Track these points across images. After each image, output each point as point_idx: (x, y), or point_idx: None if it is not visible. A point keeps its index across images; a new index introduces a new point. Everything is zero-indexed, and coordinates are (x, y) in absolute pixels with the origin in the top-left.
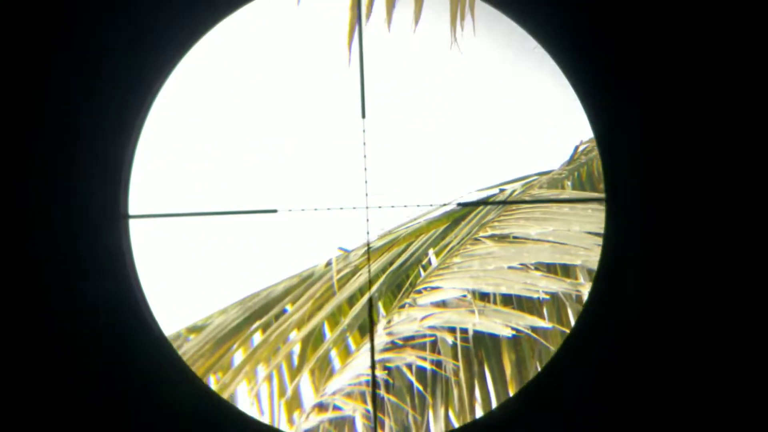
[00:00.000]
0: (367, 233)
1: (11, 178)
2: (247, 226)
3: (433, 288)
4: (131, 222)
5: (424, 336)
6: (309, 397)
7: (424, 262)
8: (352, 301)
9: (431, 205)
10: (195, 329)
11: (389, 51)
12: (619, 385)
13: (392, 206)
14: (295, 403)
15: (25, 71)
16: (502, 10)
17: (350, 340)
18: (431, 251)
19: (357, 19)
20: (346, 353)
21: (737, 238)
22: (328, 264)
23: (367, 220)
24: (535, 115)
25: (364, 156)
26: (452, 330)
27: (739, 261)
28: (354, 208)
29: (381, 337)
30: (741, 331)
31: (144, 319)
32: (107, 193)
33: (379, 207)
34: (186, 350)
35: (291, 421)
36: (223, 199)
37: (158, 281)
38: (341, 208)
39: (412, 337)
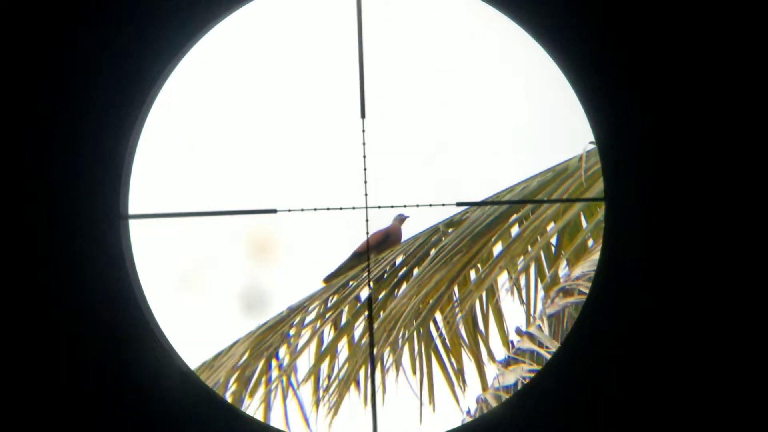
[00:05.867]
0: (367, 233)
1: (11, 178)
2: (246, 226)
3: None
4: (131, 222)
5: None
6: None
7: None
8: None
9: (430, 205)
10: None
11: (389, 51)
12: (618, 385)
13: (392, 206)
14: (553, 286)
15: (25, 71)
16: (502, 10)
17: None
18: None
19: (357, 18)
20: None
21: (737, 238)
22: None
23: (367, 220)
24: (536, 115)
25: (364, 156)
26: None
27: (738, 261)
28: (353, 208)
29: None
30: (741, 331)
31: (144, 319)
32: (107, 193)
33: (379, 207)
34: (445, 243)
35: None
36: (222, 199)
37: (158, 281)
38: (341, 208)
39: None
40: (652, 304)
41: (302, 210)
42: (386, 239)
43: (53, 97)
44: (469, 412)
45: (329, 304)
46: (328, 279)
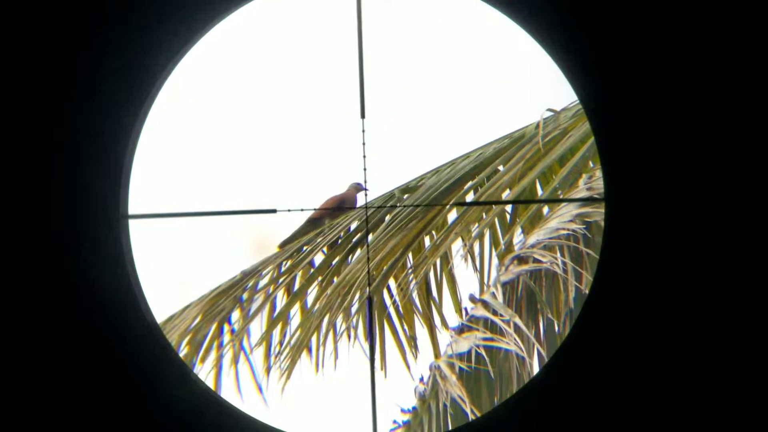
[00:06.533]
0: (366, 233)
1: (11, 178)
2: (246, 226)
3: None
4: (131, 222)
5: None
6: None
7: None
8: (562, 161)
9: (430, 206)
10: None
11: (389, 51)
12: (618, 385)
13: (391, 206)
14: (507, 254)
15: (25, 71)
16: (503, 10)
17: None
18: None
19: (357, 18)
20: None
21: (737, 237)
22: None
23: (367, 219)
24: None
25: (364, 156)
26: None
27: (738, 261)
28: (353, 208)
29: None
30: (741, 330)
31: (144, 319)
32: (107, 193)
33: (378, 207)
34: (397, 212)
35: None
36: (222, 199)
37: (158, 281)
38: (341, 209)
39: None
40: (652, 304)
41: (302, 210)
42: (341, 205)
43: (53, 97)
44: (421, 379)
45: (282, 269)
46: (283, 244)
